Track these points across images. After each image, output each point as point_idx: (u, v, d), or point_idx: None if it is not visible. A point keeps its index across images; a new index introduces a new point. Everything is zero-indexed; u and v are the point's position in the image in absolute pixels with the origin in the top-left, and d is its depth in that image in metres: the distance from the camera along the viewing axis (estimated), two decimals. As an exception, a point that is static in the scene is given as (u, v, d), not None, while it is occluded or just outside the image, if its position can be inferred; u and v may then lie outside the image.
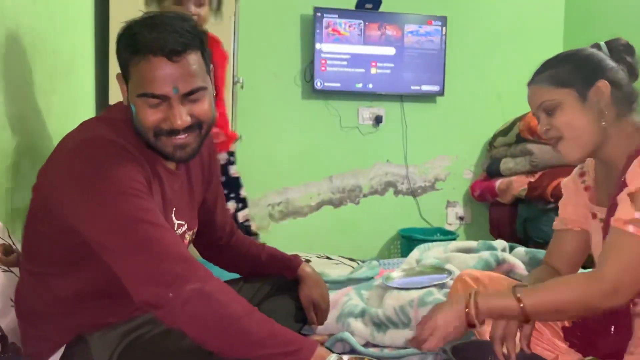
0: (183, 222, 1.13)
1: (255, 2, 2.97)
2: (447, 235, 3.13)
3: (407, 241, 3.05)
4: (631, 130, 1.07)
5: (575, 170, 1.26)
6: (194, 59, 0.96)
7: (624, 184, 1.01)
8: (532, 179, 2.85)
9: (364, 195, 3.27)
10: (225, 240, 1.34)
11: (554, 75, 1.09)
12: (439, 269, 1.61)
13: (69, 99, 1.79)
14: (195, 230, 1.21)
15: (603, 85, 1.05)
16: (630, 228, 0.94)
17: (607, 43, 1.12)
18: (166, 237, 0.90)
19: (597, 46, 1.12)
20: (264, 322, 0.90)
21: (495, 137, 3.22)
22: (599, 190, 1.18)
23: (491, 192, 3.10)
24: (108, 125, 0.99)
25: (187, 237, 1.17)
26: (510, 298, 1.00)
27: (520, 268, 1.63)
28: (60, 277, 0.99)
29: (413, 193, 3.32)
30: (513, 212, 3.02)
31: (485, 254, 1.65)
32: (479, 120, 3.33)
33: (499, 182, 3.04)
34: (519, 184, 2.89)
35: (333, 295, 1.56)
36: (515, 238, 3.02)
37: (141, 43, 0.92)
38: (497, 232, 3.17)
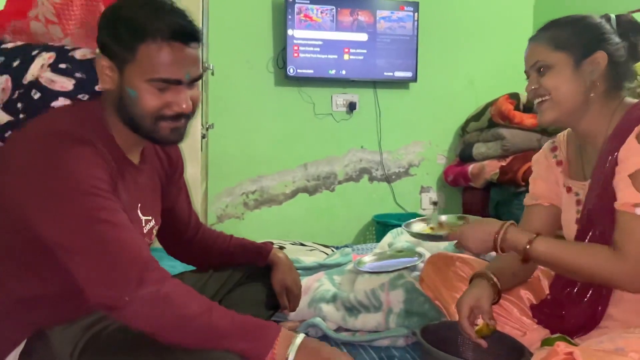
0: (150, 218, 1.10)
1: (224, -13, 2.92)
2: (422, 221, 3.15)
3: (382, 227, 3.06)
4: (615, 107, 1.07)
5: (547, 145, 1.26)
6: (198, 46, 0.97)
7: (614, 161, 1.01)
8: (503, 163, 2.88)
9: (339, 182, 3.27)
10: (190, 235, 1.31)
11: (555, 37, 1.07)
12: (410, 252, 1.62)
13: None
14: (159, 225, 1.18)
15: (601, 56, 1.04)
16: (638, 211, 0.95)
17: (617, 17, 1.10)
18: (124, 238, 0.88)
19: (607, 17, 1.10)
20: (224, 316, 0.89)
21: (467, 122, 3.25)
22: (572, 164, 1.19)
23: (464, 177, 3.13)
24: (73, 115, 0.96)
25: (155, 232, 1.14)
26: (526, 237, 1.05)
27: (490, 249, 1.65)
28: (19, 278, 0.95)
29: (387, 179, 3.34)
30: (485, 196, 3.06)
31: (456, 237, 1.66)
32: (452, 106, 3.35)
33: (471, 167, 3.07)
34: (491, 168, 2.92)
35: (305, 281, 1.56)
36: (487, 221, 3.06)
37: (156, 26, 0.91)
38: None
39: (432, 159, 3.41)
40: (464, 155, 3.20)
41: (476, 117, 3.16)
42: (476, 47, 3.37)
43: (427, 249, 1.62)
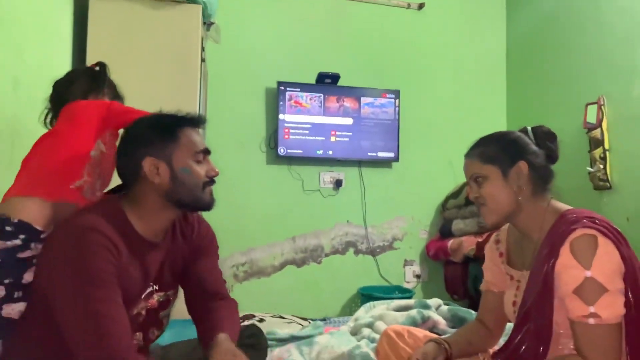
0: (152, 283, 1.28)
1: (222, 76, 3.23)
2: (405, 293, 3.26)
3: (367, 299, 3.16)
4: (544, 206, 1.25)
5: (492, 238, 1.45)
6: None
7: (551, 270, 1.15)
8: (480, 239, 3.04)
9: (326, 255, 3.42)
10: (210, 304, 1.38)
11: (484, 153, 1.27)
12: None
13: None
14: (169, 292, 1.33)
15: (523, 165, 1.24)
16: (591, 321, 1.09)
17: (532, 129, 1.31)
18: (109, 331, 1.07)
19: (524, 130, 1.31)
20: None
21: (447, 199, 3.44)
22: (511, 255, 1.37)
23: (444, 252, 3.28)
24: (97, 211, 1.16)
25: (156, 297, 1.30)
26: None
27: (442, 324, 1.81)
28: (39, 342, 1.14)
29: (372, 252, 3.49)
30: (465, 270, 3.19)
31: (413, 312, 1.83)
32: (432, 184, 3.56)
33: (450, 242, 3.22)
34: (469, 244, 3.07)
35: (276, 352, 1.69)
36: (468, 294, 3.17)
37: (185, 118, 1.26)
38: (451, 289, 3.32)
39: (415, 234, 3.57)
40: (444, 231, 3.37)
41: (454, 194, 3.36)
42: (453, 130, 3.63)
43: (388, 323, 1.76)
